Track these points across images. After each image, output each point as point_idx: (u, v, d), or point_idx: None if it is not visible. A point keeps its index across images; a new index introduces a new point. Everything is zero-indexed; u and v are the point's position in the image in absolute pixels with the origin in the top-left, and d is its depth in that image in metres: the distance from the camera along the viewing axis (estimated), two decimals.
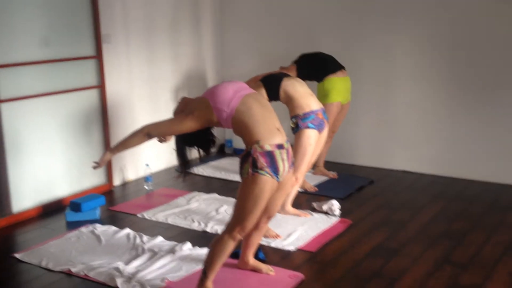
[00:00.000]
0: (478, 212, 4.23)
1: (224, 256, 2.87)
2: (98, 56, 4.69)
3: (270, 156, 2.78)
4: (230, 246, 2.86)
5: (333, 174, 5.18)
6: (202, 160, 3.20)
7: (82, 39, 4.58)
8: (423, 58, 5.12)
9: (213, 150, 3.15)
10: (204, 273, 2.88)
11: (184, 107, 3.02)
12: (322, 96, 4.84)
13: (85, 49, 4.61)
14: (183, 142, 3.07)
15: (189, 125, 2.89)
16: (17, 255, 3.54)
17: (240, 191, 2.83)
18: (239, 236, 2.86)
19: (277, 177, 2.82)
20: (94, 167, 3.08)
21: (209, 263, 2.87)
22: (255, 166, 2.76)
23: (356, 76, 5.17)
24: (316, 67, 4.91)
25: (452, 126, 5.07)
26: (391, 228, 3.94)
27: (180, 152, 3.10)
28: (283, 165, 2.83)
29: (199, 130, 2.94)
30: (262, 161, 2.75)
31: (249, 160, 2.78)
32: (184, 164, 3.13)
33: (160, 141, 3.27)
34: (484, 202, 4.46)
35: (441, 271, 3.27)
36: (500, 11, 4.71)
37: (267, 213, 3.04)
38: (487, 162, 4.96)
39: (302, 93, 4.01)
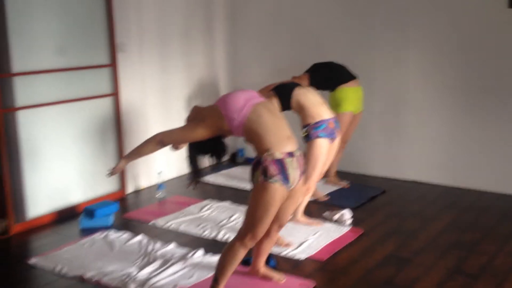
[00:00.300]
0: (490, 223, 4.22)
1: (235, 263, 2.90)
2: (112, 65, 4.76)
3: (280, 164, 2.80)
4: (241, 254, 2.89)
5: (344, 184, 5.19)
6: (214, 169, 3.23)
7: (97, 47, 4.65)
8: (435, 67, 5.13)
9: (225, 158, 3.18)
10: (215, 280, 2.91)
11: (195, 116, 3.07)
12: (334, 106, 4.86)
13: (100, 58, 4.68)
14: (194, 150, 3.11)
15: (201, 133, 2.93)
16: (31, 261, 3.58)
17: (251, 199, 2.86)
18: (250, 244, 2.88)
19: (288, 185, 2.85)
20: (109, 175, 3.13)
21: (220, 270, 2.90)
22: (265, 174, 2.78)
23: (367, 85, 5.18)
24: (329, 76, 4.93)
25: (464, 136, 5.07)
26: (402, 238, 3.94)
27: (192, 159, 3.14)
28: (294, 173, 2.85)
29: (211, 138, 2.98)
30: (272, 169, 2.78)
31: (259, 168, 2.80)
32: (196, 172, 3.17)
33: (173, 149, 3.30)
34: (496, 213, 4.44)
35: (452, 281, 3.26)
36: (509, 18, 4.70)
37: (278, 222, 3.05)
38: (500, 173, 4.94)
39: (314, 102, 4.03)
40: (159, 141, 2.98)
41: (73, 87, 4.49)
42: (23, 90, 4.13)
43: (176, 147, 3.28)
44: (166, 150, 3.28)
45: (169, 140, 3.01)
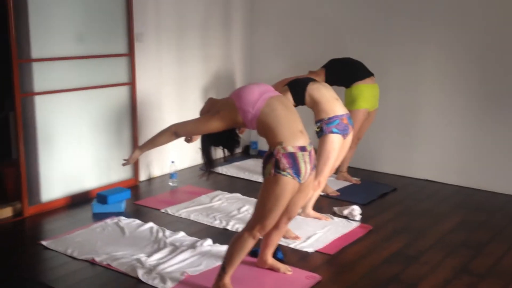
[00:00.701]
0: (500, 224, 4.21)
1: (243, 254, 2.93)
2: (130, 54, 4.81)
3: (292, 157, 2.83)
4: (250, 244, 2.92)
5: (356, 180, 5.20)
6: (227, 160, 3.26)
7: (116, 37, 4.71)
8: (450, 66, 5.11)
9: (238, 150, 3.21)
10: (223, 269, 2.95)
11: (210, 108, 3.10)
12: (350, 102, 4.87)
13: (118, 47, 4.74)
14: (208, 142, 3.14)
15: (215, 125, 2.96)
16: (44, 242, 3.66)
17: (261, 191, 2.89)
18: (258, 235, 2.92)
19: (299, 178, 2.87)
20: (124, 164, 3.20)
21: (228, 259, 2.94)
22: (277, 167, 2.81)
23: (382, 82, 5.18)
24: (345, 73, 4.93)
25: (478, 136, 5.05)
26: (411, 236, 3.95)
27: (206, 151, 3.17)
28: (305, 167, 2.88)
29: (225, 131, 3.01)
30: (284, 162, 2.81)
31: (271, 161, 2.83)
32: (209, 163, 3.20)
33: (187, 141, 3.35)
34: (506, 214, 4.43)
35: (458, 280, 3.27)
36: None
37: (287, 214, 3.09)
38: (511, 175, 4.92)
39: (328, 97, 4.04)
40: (174, 132, 3.01)
41: (90, 75, 4.55)
42: (41, 76, 4.20)
43: (189, 139, 3.33)
44: (180, 140, 3.32)
45: (184, 132, 3.05)
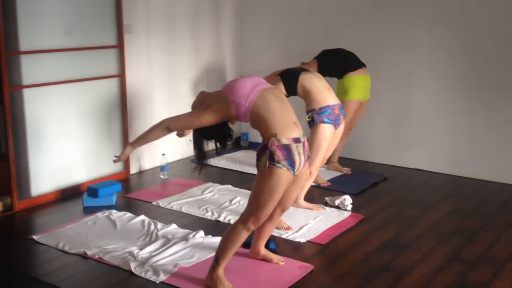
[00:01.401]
0: (490, 212, 4.25)
1: (237, 245, 2.94)
2: (119, 46, 4.77)
3: (287, 149, 2.82)
4: (243, 236, 2.92)
5: (347, 170, 5.22)
6: (219, 153, 3.24)
7: (105, 28, 4.67)
8: (440, 56, 5.12)
9: (229, 143, 3.20)
10: (216, 260, 2.95)
11: (202, 101, 3.08)
12: (342, 93, 4.87)
13: (107, 39, 4.70)
14: (200, 136, 3.13)
15: (208, 118, 2.94)
16: (34, 237, 3.64)
17: (256, 183, 2.88)
18: (253, 227, 2.92)
19: (293, 170, 2.87)
20: (115, 161, 3.16)
21: (221, 251, 2.93)
22: (272, 159, 2.80)
23: (373, 73, 5.17)
24: (337, 63, 4.93)
25: (468, 125, 5.08)
26: (402, 224, 3.97)
27: (198, 145, 3.15)
28: (300, 158, 2.88)
29: (217, 124, 2.99)
30: (279, 154, 2.80)
31: (266, 153, 2.82)
32: (201, 157, 3.18)
33: (179, 135, 3.33)
34: (497, 202, 4.46)
35: (449, 267, 3.30)
36: None
37: (281, 206, 3.09)
38: (502, 163, 4.96)
39: (319, 87, 4.04)
40: (166, 127, 2.99)
41: (79, 67, 4.51)
42: (30, 69, 4.16)
43: (181, 133, 3.31)
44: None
45: (176, 126, 3.02)
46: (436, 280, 3.14)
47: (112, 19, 4.70)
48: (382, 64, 5.39)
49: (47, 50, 4.24)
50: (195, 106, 3.16)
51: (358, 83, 4.89)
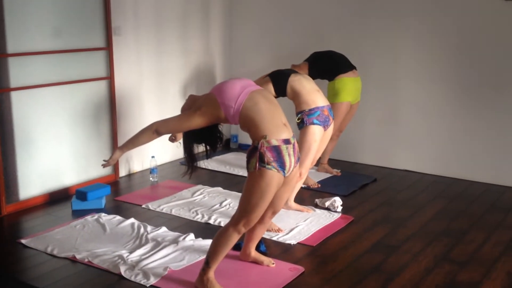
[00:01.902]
0: (479, 212, 4.27)
1: (228, 248, 2.92)
2: (108, 48, 4.75)
3: (277, 151, 2.82)
4: (234, 239, 2.91)
5: (336, 172, 5.23)
6: (209, 157, 3.23)
7: (93, 30, 4.64)
8: (427, 58, 5.16)
9: (220, 146, 3.18)
10: (207, 263, 2.94)
11: (191, 104, 3.07)
12: (332, 95, 4.88)
13: (96, 41, 4.67)
14: (190, 139, 3.11)
15: (197, 121, 2.92)
16: (23, 241, 3.61)
17: (246, 185, 2.87)
18: (244, 230, 2.90)
19: (284, 172, 2.86)
20: (104, 166, 3.12)
21: (212, 253, 2.92)
22: (262, 160, 2.80)
23: (362, 75, 5.19)
24: (328, 66, 4.94)
25: (456, 126, 5.11)
26: (392, 225, 3.99)
27: (188, 149, 3.13)
28: (290, 160, 2.88)
29: (207, 127, 2.98)
30: (269, 155, 2.80)
31: (256, 155, 2.81)
32: (191, 161, 3.17)
33: (171, 140, 3.30)
34: (485, 203, 4.49)
35: (439, 268, 3.31)
36: (504, 11, 4.72)
37: (272, 208, 3.08)
38: (489, 164, 4.99)
39: (309, 89, 4.05)
40: (155, 130, 2.97)
41: (67, 70, 4.48)
42: (18, 71, 4.12)
43: (173, 138, 3.29)
44: None
45: (165, 130, 3.00)
46: (426, 281, 3.16)
47: (100, 21, 4.68)
48: (371, 67, 5.41)
49: (35, 52, 4.21)
50: (184, 109, 3.14)
51: (349, 86, 4.90)
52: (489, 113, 4.94)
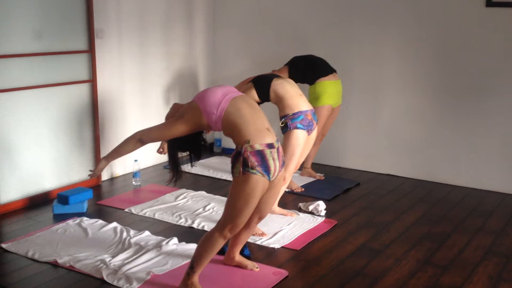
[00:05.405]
0: (460, 216, 4.31)
1: (213, 253, 2.91)
2: (90, 51, 4.71)
3: (261, 155, 2.81)
4: (220, 244, 2.90)
5: (320, 176, 5.24)
6: (194, 166, 3.22)
7: (75, 33, 4.60)
8: (410, 64, 5.20)
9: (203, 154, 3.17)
10: (192, 268, 2.92)
11: (174, 113, 3.07)
12: (313, 99, 4.89)
13: (78, 43, 4.63)
14: (175, 147, 3.10)
15: (180, 129, 2.91)
16: (3, 245, 3.55)
17: (231, 190, 2.86)
18: (229, 235, 2.89)
19: (269, 176, 2.86)
20: (90, 176, 3.10)
21: (197, 258, 2.91)
22: (246, 165, 2.79)
23: (344, 80, 5.23)
24: (308, 70, 4.95)
25: (438, 132, 5.16)
26: (375, 229, 4.00)
27: (172, 157, 3.12)
28: (274, 164, 2.87)
29: (191, 135, 2.98)
30: (252, 160, 2.79)
31: (240, 160, 2.81)
32: (176, 169, 3.15)
33: (159, 152, 3.29)
34: (467, 207, 4.54)
35: (422, 272, 3.34)
36: (486, 17, 4.79)
37: (258, 213, 3.07)
38: (470, 169, 5.05)
39: (292, 93, 4.05)
40: (138, 139, 2.95)
41: (49, 72, 4.43)
42: None
43: (161, 151, 3.26)
44: None
45: (149, 138, 2.98)
46: (409, 284, 3.17)
47: (83, 23, 4.64)
48: (353, 71, 5.45)
49: (15, 55, 4.16)
50: (168, 117, 3.16)
51: (330, 89, 4.92)
52: (470, 119, 4.99)
